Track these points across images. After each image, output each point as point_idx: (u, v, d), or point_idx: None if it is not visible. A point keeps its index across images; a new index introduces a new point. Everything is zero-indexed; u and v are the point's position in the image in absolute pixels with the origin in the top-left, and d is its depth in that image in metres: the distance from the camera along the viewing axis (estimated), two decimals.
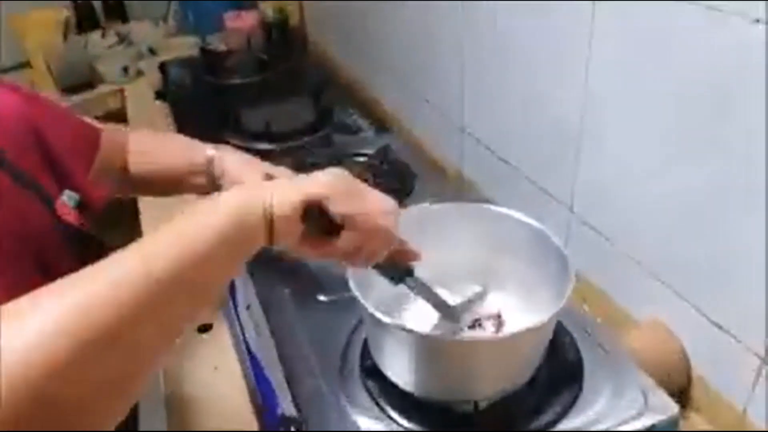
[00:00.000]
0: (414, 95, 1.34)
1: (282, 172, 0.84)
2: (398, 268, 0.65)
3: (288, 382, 0.74)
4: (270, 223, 0.51)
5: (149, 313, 0.43)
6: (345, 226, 0.56)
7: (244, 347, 0.86)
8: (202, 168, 0.83)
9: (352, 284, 0.65)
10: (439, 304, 0.71)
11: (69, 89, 1.96)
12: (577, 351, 0.74)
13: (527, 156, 1.01)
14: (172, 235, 0.47)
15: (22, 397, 0.37)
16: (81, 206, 0.68)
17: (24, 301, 0.40)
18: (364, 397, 0.71)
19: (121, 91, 1.96)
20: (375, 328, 0.68)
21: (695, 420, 0.77)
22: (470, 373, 0.65)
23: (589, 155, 0.87)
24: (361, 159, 1.22)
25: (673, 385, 0.77)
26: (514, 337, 0.62)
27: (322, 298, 0.85)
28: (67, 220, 0.65)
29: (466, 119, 1.16)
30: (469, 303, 0.76)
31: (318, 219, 0.55)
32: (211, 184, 0.83)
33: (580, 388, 0.70)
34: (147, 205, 1.26)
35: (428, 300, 0.70)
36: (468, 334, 0.73)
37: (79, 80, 1.98)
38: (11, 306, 0.40)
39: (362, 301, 0.63)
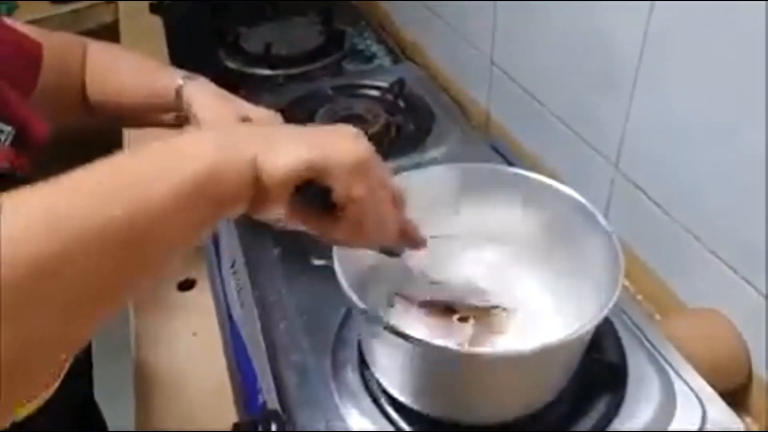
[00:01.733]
0: (437, 20, 1.17)
1: (263, 115, 0.69)
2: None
3: (272, 365, 0.62)
4: (255, 186, 0.39)
5: (78, 262, 0.31)
6: (346, 209, 0.44)
7: (225, 314, 0.74)
8: (167, 100, 0.69)
9: (338, 271, 0.52)
10: None
11: None
12: (620, 348, 0.61)
13: (567, 98, 0.86)
14: (125, 174, 0.35)
15: None
16: (17, 142, 0.55)
17: None
18: (359, 388, 0.59)
19: (115, 3, 1.79)
20: (368, 329, 0.55)
21: (750, 428, 0.66)
22: (483, 394, 0.52)
23: (644, 104, 0.72)
24: (374, 92, 1.07)
25: (728, 385, 0.65)
26: (542, 351, 0.48)
27: (316, 261, 0.72)
28: None
29: (497, 50, 0.99)
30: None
31: (314, 191, 0.42)
32: (179, 119, 0.70)
33: (623, 395, 0.57)
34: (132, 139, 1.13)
35: None
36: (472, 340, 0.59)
37: None
38: None
39: (353, 297, 0.50)
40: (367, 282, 0.59)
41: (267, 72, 1.20)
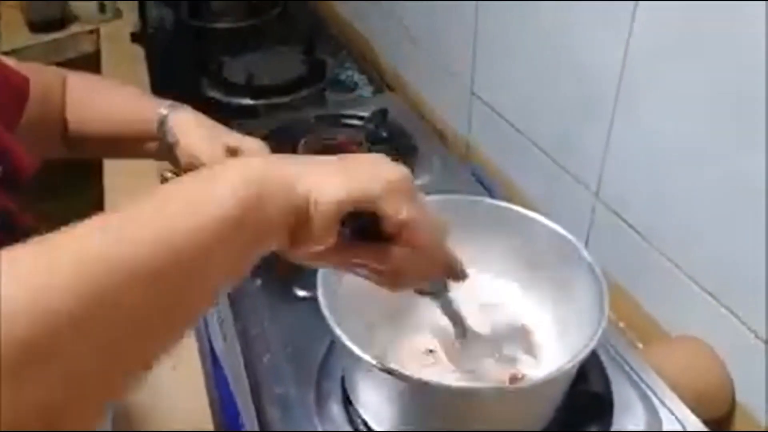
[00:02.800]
0: (418, 50, 1.18)
1: (250, 144, 0.69)
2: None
3: (254, 399, 0.61)
4: (303, 221, 0.37)
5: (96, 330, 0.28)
6: (397, 237, 0.41)
7: (207, 347, 0.73)
8: (149, 129, 0.68)
9: (321, 301, 0.51)
10: (460, 327, 0.56)
11: (39, 27, 1.78)
12: (605, 378, 0.61)
13: (547, 128, 0.87)
14: (155, 215, 0.32)
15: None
16: (4, 178, 0.54)
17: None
18: (343, 422, 0.58)
19: (97, 31, 1.79)
20: (351, 364, 0.55)
21: None
22: (468, 428, 0.52)
23: (624, 132, 0.73)
24: (356, 122, 1.08)
25: (712, 413, 0.65)
26: (529, 387, 0.48)
27: (299, 293, 0.71)
28: None
29: (478, 81, 1.00)
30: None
31: (362, 223, 0.41)
32: (163, 150, 0.69)
33: (609, 425, 0.57)
34: (113, 169, 1.12)
35: (453, 322, 0.56)
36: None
37: (51, 16, 1.80)
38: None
39: (335, 328, 0.49)
40: (350, 313, 0.58)
41: (249, 102, 1.20)
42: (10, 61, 0.65)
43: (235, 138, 0.69)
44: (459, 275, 0.50)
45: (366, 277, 0.45)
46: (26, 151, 0.58)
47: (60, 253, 0.28)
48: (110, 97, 0.74)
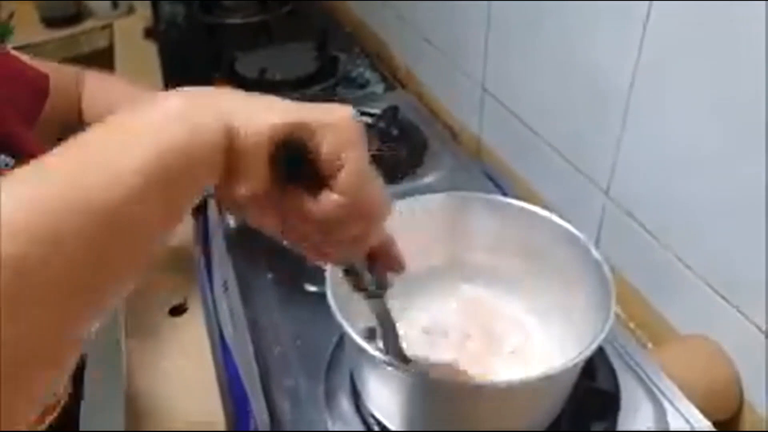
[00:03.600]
0: (430, 47, 1.18)
1: None
2: (375, 276, 0.47)
3: (264, 390, 0.62)
4: (231, 150, 0.34)
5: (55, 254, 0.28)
6: (333, 183, 0.37)
7: (218, 336, 0.74)
8: None
9: (329, 296, 0.52)
10: (393, 349, 0.54)
11: (53, 22, 1.80)
12: (613, 376, 0.61)
13: (559, 126, 0.87)
14: (94, 154, 0.31)
15: None
16: None
17: None
18: (351, 415, 0.59)
19: (110, 27, 1.80)
20: (359, 358, 0.55)
21: None
22: (476, 423, 0.52)
23: (635, 132, 0.73)
24: (367, 119, 1.08)
25: (720, 413, 0.65)
26: (536, 381, 0.48)
27: (310, 288, 0.72)
28: None
29: (489, 79, 1.01)
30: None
31: (295, 161, 0.36)
32: None
33: (615, 423, 0.57)
34: None
35: (383, 336, 0.53)
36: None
37: (65, 12, 1.82)
38: None
39: (344, 323, 0.49)
40: (359, 308, 0.58)
41: None
42: (29, 60, 0.66)
43: None
44: (394, 262, 0.46)
45: (293, 242, 0.41)
46: (44, 148, 0.59)
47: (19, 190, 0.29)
48: (124, 93, 0.75)
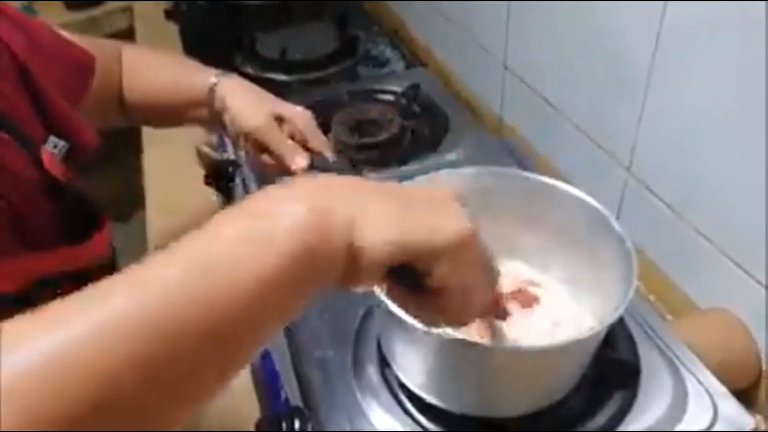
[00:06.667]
0: (450, 24, 1.19)
1: (296, 112, 0.71)
2: None
3: (294, 362, 0.64)
4: (353, 263, 0.36)
5: (156, 374, 0.29)
6: (440, 294, 0.40)
7: None
8: (202, 97, 0.71)
9: None
10: None
11: (74, 4, 1.82)
12: (633, 346, 0.62)
13: (580, 102, 0.87)
14: (201, 262, 0.32)
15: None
16: (69, 154, 0.56)
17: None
18: (380, 385, 0.61)
19: (131, 8, 1.81)
20: (387, 322, 0.57)
21: (760, 427, 0.67)
22: (499, 388, 0.54)
23: (657, 107, 0.73)
24: (389, 97, 1.09)
25: (739, 383, 0.66)
26: (560, 348, 0.50)
27: None
28: (52, 173, 0.53)
29: (510, 55, 1.01)
30: None
31: (407, 271, 0.39)
32: (213, 116, 0.71)
33: (636, 392, 0.59)
34: (151, 136, 1.15)
35: None
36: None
37: None
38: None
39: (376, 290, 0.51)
40: None
41: (282, 77, 1.22)
42: (74, 37, 0.68)
43: (282, 106, 0.71)
44: (499, 315, 0.52)
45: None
46: (89, 126, 0.61)
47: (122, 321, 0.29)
48: (163, 65, 0.77)
